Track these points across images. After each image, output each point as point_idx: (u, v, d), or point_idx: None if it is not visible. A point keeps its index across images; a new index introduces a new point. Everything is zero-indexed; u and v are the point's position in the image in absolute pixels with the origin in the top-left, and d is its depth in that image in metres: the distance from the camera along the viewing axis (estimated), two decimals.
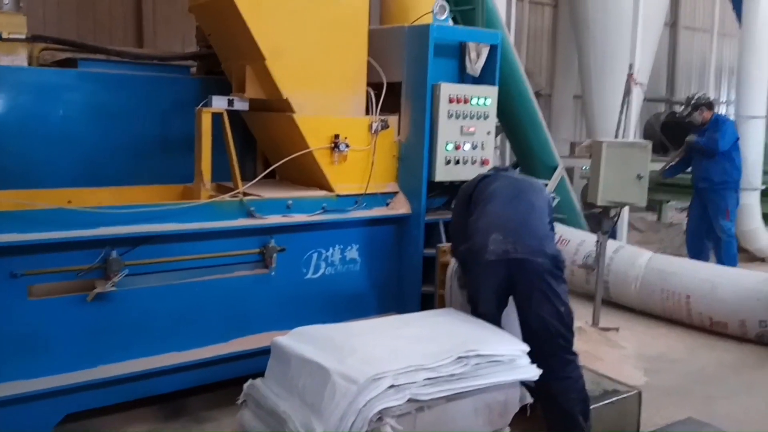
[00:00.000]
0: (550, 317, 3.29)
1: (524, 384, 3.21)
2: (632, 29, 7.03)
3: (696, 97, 7.08)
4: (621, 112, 6.81)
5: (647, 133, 11.09)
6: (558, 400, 3.31)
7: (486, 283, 3.44)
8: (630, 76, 6.80)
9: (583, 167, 8.54)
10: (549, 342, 3.29)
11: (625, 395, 3.63)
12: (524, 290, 3.36)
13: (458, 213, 3.79)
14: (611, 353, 4.94)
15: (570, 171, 9.84)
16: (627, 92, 6.78)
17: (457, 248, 3.75)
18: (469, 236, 3.52)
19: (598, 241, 5.27)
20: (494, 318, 3.46)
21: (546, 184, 3.98)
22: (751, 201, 7.98)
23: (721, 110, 16.39)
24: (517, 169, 4.20)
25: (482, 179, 3.74)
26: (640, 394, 3.69)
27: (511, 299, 3.50)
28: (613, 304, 6.05)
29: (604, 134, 8.45)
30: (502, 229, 3.40)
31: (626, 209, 6.85)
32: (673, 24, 15.85)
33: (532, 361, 3.29)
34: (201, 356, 3.63)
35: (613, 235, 6.11)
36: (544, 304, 3.29)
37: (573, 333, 3.38)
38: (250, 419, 3.15)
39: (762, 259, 8.19)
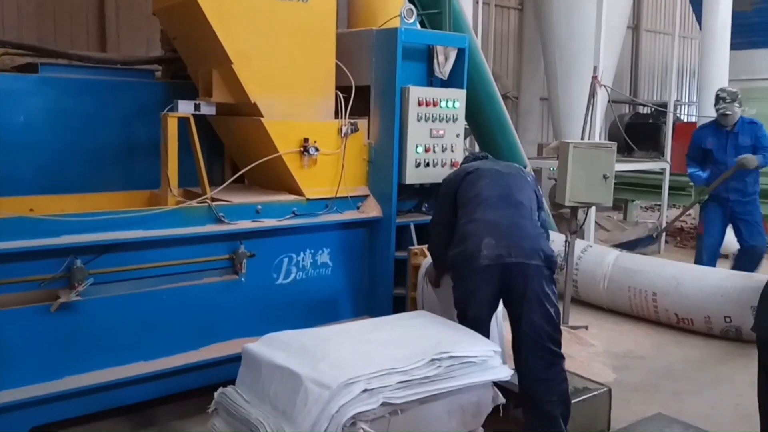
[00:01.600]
0: (541, 320, 3.30)
1: (497, 384, 3.23)
2: (596, 32, 7.15)
3: (734, 90, 6.23)
4: (586, 114, 6.92)
5: (612, 133, 11.26)
6: (540, 402, 3.31)
7: (479, 288, 3.40)
8: (594, 78, 6.92)
9: (551, 168, 8.65)
10: (537, 344, 3.30)
11: (595, 393, 3.67)
12: (517, 294, 3.35)
13: (442, 210, 3.72)
14: (581, 351, 5.01)
15: (538, 172, 9.98)
16: (592, 94, 6.89)
17: (438, 245, 3.71)
18: (458, 240, 3.48)
19: (566, 241, 5.34)
20: (485, 322, 3.45)
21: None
22: None
23: (683, 111, 16.78)
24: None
25: (466, 175, 3.67)
26: (610, 391, 3.74)
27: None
28: (582, 302, 6.14)
29: (571, 136, 8.58)
30: (494, 232, 3.38)
31: (593, 209, 6.96)
32: (635, 27, 16.17)
33: (518, 362, 3.31)
34: (170, 365, 3.57)
35: (580, 234, 6.19)
36: (537, 308, 3.30)
37: (560, 334, 3.41)
38: (222, 428, 3.11)
39: (726, 256, 8.38)
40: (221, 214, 3.70)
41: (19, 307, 3.17)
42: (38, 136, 4.05)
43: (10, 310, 3.14)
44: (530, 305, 3.31)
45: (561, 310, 5.32)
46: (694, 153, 6.46)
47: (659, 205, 9.41)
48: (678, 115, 14.53)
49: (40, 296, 3.22)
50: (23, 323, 3.17)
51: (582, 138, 6.82)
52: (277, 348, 3.08)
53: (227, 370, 3.49)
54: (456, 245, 3.48)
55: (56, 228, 3.19)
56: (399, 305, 4.32)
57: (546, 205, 6.54)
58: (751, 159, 5.98)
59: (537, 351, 3.30)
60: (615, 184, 5.23)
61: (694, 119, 11.29)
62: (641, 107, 13.62)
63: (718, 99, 6.26)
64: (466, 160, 4.08)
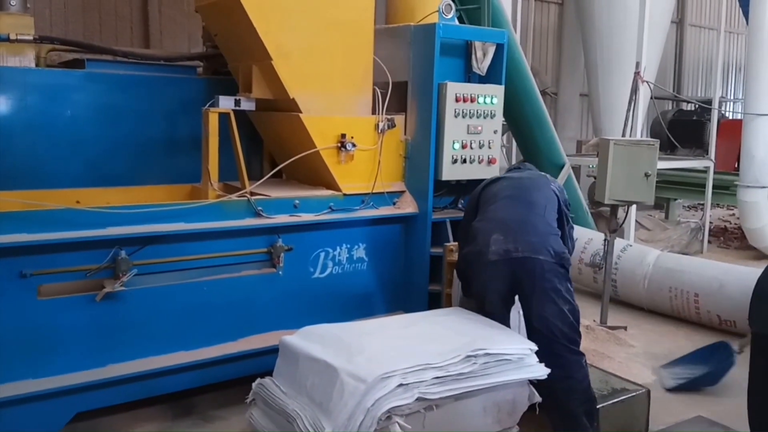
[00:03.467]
0: (553, 317, 3.28)
1: (531, 382, 3.21)
2: (639, 27, 7.01)
3: None
4: (628, 110, 6.79)
5: (654, 131, 11.03)
6: (560, 400, 3.28)
7: (490, 284, 3.44)
8: (637, 74, 6.78)
9: (590, 166, 8.52)
10: (551, 342, 3.27)
11: (633, 394, 3.62)
12: (527, 289, 3.35)
13: (466, 218, 3.85)
14: (620, 352, 4.94)
15: (577, 169, 9.84)
16: (634, 90, 6.76)
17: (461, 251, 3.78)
18: (470, 238, 3.55)
19: (605, 240, 5.26)
20: (502, 318, 3.46)
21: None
22: (758, 199, 7.95)
23: (729, 108, 16.33)
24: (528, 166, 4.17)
25: (489, 183, 3.80)
26: (648, 392, 3.68)
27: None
28: (621, 302, 6.04)
29: (611, 132, 8.44)
30: (503, 228, 3.41)
31: (633, 207, 6.83)
32: (680, 21, 15.78)
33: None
34: (209, 355, 3.64)
35: (620, 233, 6.09)
36: (547, 304, 3.29)
37: (578, 332, 3.37)
38: (259, 418, 3.16)
39: None
40: (260, 208, 3.75)
41: (66, 296, 3.26)
42: (84, 131, 4.17)
43: (57, 299, 3.23)
44: (540, 301, 3.30)
45: (600, 309, 5.31)
46: None
47: (702, 205, 9.19)
48: (723, 112, 14.14)
49: (86, 286, 3.31)
50: (69, 312, 3.27)
51: (623, 135, 6.69)
52: (314, 341, 3.12)
53: (265, 361, 3.54)
54: (468, 243, 3.56)
55: (102, 220, 3.27)
56: (434, 301, 4.31)
57: (586, 206, 6.40)
58: None
59: (552, 347, 3.26)
60: (657, 182, 5.13)
61: (739, 116, 10.99)
62: (685, 104, 13.31)
63: None
64: (507, 171, 4.14)
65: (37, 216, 3.16)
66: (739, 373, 4.62)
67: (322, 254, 4.08)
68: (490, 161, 4.43)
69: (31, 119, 3.99)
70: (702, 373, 4.31)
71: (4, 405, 3.08)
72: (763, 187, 7.94)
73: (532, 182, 3.72)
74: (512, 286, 3.41)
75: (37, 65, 4.16)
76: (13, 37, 3.96)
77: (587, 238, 6.23)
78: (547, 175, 3.93)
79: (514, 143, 8.23)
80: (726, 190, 8.96)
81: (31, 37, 4.05)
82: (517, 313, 3.65)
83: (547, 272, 3.30)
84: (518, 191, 3.63)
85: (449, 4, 4.32)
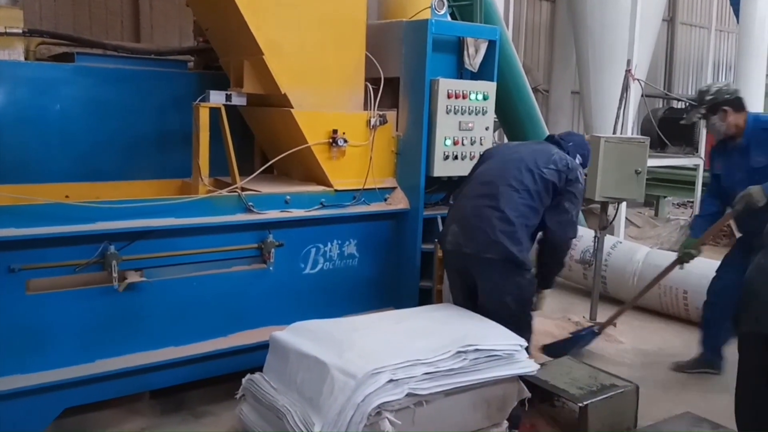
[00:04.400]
0: (496, 313, 3.42)
1: (523, 379, 3.23)
2: (630, 25, 7.04)
3: (714, 90, 4.21)
4: (619, 108, 6.82)
5: (645, 128, 11.09)
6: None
7: (449, 273, 3.72)
8: (628, 71, 6.81)
9: None
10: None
11: (622, 389, 3.64)
12: (475, 284, 3.55)
13: (461, 189, 4.00)
14: (609, 348, 4.97)
15: None
16: (625, 88, 6.79)
17: None
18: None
19: (595, 237, 5.28)
20: (465, 305, 3.62)
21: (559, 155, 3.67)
22: None
23: None
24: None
25: (486, 153, 3.97)
26: (637, 388, 3.70)
27: None
28: (611, 299, 6.06)
29: (602, 130, 8.48)
30: (460, 221, 3.58)
31: (624, 205, 6.87)
32: (671, 20, 15.85)
33: None
34: (199, 351, 3.63)
35: (610, 230, 6.11)
36: (490, 300, 3.50)
37: (527, 328, 3.52)
38: (249, 414, 3.16)
39: None
40: (250, 203, 3.74)
41: (55, 291, 3.24)
42: (74, 125, 4.13)
43: (46, 293, 3.21)
44: (483, 297, 3.53)
45: (590, 306, 5.34)
46: (712, 184, 4.51)
47: (692, 202, 9.25)
48: None
49: (75, 281, 3.28)
50: (58, 307, 3.25)
51: (614, 132, 6.73)
52: (305, 336, 3.12)
53: (255, 357, 3.53)
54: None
55: (91, 214, 3.25)
56: (425, 297, 4.32)
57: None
58: (756, 193, 3.82)
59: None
60: (647, 179, 5.15)
61: None
62: (675, 102, 13.38)
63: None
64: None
65: (25, 210, 3.14)
66: (728, 370, 4.67)
67: (313, 250, 4.07)
68: None
69: (20, 113, 3.96)
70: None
71: None
72: None
73: (519, 163, 3.59)
74: (465, 277, 3.61)
75: (26, 59, 4.12)
76: (2, 30, 3.92)
77: (577, 235, 6.25)
78: (554, 150, 3.71)
79: (506, 140, 8.24)
80: None
81: (20, 30, 4.01)
82: None
83: (492, 270, 3.45)
84: (492, 178, 3.59)
85: (442, 1, 4.32)
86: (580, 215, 6.85)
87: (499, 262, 3.41)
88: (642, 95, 7.41)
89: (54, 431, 3.38)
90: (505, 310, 3.43)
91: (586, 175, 3.99)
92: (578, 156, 3.85)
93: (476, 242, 3.45)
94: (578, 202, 3.65)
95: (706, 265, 5.70)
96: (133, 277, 3.39)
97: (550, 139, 4.05)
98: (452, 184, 4.55)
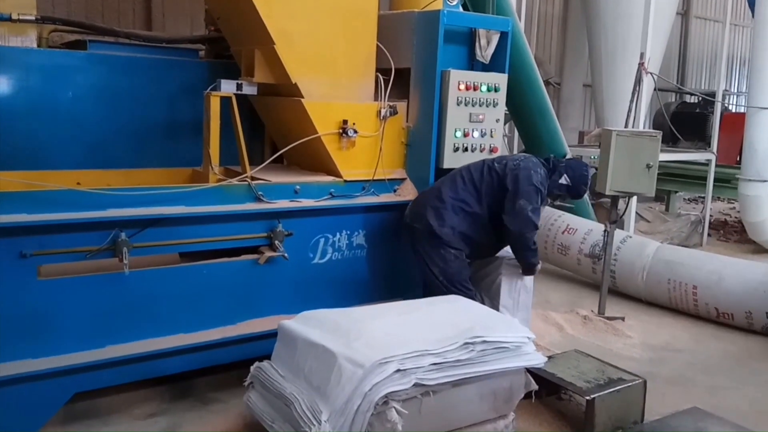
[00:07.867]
0: (427, 278, 3.97)
1: (531, 371, 3.23)
2: (644, 17, 6.97)
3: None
4: (631, 101, 6.76)
5: (657, 122, 11.00)
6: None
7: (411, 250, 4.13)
8: (641, 65, 6.75)
9: (592, 156, 8.51)
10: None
11: (629, 384, 3.63)
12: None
13: None
14: (617, 342, 4.96)
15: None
16: (638, 81, 6.73)
17: None
18: None
19: (605, 231, 5.26)
20: (424, 281, 4.09)
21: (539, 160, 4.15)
22: (759, 192, 7.94)
23: (732, 101, 16.27)
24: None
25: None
26: (645, 383, 3.69)
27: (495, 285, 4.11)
28: (620, 293, 6.05)
29: (614, 123, 8.41)
30: (416, 199, 4.13)
31: (634, 199, 6.83)
32: (685, 13, 15.70)
33: None
34: (208, 338, 3.65)
35: (620, 225, 6.08)
36: (423, 266, 3.99)
37: (456, 287, 3.90)
38: (257, 401, 3.18)
39: None
40: (260, 192, 3.75)
41: (66, 277, 3.27)
42: (85, 112, 4.16)
43: (57, 279, 3.24)
44: (419, 262, 4.02)
45: (598, 300, 5.33)
46: None
47: (703, 198, 9.19)
48: (726, 105, 14.10)
49: (86, 267, 3.31)
50: (69, 293, 3.27)
51: (626, 126, 6.67)
52: (313, 325, 3.13)
53: (263, 345, 3.55)
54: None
55: (102, 201, 3.27)
56: None
57: (586, 197, 6.41)
58: None
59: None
60: (658, 174, 5.13)
61: (742, 110, 10.95)
62: (688, 96, 13.26)
63: None
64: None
65: (37, 197, 3.16)
66: (736, 368, 4.65)
67: (322, 240, 4.08)
68: (492, 150, 4.42)
69: (33, 100, 3.98)
70: None
71: (2, 384, 3.09)
72: (765, 181, 7.93)
73: (482, 162, 4.08)
74: (415, 252, 4.04)
75: (38, 46, 4.14)
76: (15, 16, 3.94)
77: (587, 228, 6.23)
78: (522, 156, 4.14)
79: (516, 133, 8.21)
80: (727, 183, 8.95)
81: (33, 17, 4.04)
82: (510, 298, 3.73)
83: (421, 239, 3.95)
84: (456, 170, 4.10)
85: None
86: (589, 209, 6.82)
87: (425, 234, 3.92)
88: (655, 89, 7.34)
89: (64, 416, 3.43)
90: (434, 281, 3.94)
91: (587, 190, 4.37)
92: (564, 176, 4.14)
93: (413, 214, 4.03)
94: (534, 201, 3.91)
95: (715, 262, 5.69)
96: (141, 265, 3.41)
97: (548, 156, 4.33)
98: None
